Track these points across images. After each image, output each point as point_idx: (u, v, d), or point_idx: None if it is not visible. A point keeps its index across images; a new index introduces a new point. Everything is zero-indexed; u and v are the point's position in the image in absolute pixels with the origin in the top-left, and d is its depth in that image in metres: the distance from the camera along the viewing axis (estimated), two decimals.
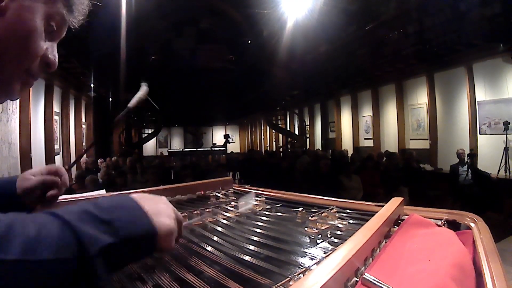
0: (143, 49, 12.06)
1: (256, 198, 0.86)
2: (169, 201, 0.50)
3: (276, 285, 0.48)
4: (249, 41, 13.12)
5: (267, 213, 0.95)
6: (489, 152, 5.69)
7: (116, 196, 0.47)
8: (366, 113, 9.50)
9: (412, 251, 0.55)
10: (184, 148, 18.67)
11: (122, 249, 0.37)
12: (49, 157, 6.92)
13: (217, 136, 20.30)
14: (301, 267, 0.55)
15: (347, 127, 10.44)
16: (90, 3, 0.55)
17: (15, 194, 0.65)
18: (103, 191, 1.23)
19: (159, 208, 0.44)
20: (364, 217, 0.80)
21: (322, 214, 0.81)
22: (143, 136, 17.52)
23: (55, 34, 0.50)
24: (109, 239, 0.35)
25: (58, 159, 7.58)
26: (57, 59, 0.51)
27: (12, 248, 0.29)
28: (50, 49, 0.50)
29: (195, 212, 0.91)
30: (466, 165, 5.32)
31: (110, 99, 11.48)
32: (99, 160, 7.86)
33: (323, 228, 0.75)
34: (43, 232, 0.32)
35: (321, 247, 0.65)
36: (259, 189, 1.26)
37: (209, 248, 0.65)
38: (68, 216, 0.35)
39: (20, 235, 0.31)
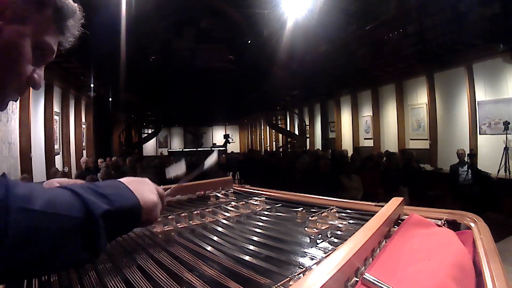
0: (143, 49, 12.07)
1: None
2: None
3: (276, 285, 0.48)
4: (249, 41, 13.12)
5: (267, 213, 0.95)
6: (489, 152, 5.69)
7: (107, 180, 0.58)
8: (366, 113, 9.50)
9: (412, 251, 0.55)
10: (184, 148, 18.67)
11: (116, 217, 0.48)
12: (49, 157, 6.92)
13: (217, 136, 20.30)
14: (301, 267, 0.55)
15: (347, 127, 10.44)
16: (81, 27, 0.59)
17: None
18: None
19: (142, 187, 0.57)
20: (364, 217, 0.80)
21: (322, 214, 0.81)
22: (143, 136, 17.53)
23: (42, 60, 0.54)
24: (107, 206, 0.46)
25: (58, 159, 7.58)
26: (42, 80, 0.56)
27: (38, 202, 0.38)
28: (37, 71, 0.53)
29: (195, 212, 0.91)
30: (466, 165, 5.32)
31: (110, 99, 11.48)
32: (99, 160, 7.86)
33: (323, 228, 0.75)
34: (59, 196, 0.43)
35: (321, 247, 0.65)
36: (259, 189, 1.26)
37: (209, 248, 0.65)
38: (76, 188, 0.45)
39: (42, 196, 0.40)
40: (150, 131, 17.41)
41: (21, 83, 0.52)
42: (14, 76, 0.50)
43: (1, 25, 0.46)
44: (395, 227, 0.67)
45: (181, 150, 17.96)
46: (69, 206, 0.42)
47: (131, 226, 0.56)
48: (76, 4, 0.57)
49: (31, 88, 0.55)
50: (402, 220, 0.71)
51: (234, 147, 19.36)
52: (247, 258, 0.60)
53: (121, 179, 0.56)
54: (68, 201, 0.42)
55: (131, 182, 0.56)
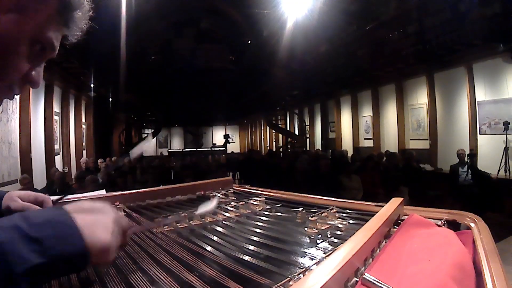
0: (143, 49, 12.07)
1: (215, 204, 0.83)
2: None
3: (276, 285, 0.48)
4: (249, 41, 13.11)
5: (267, 213, 0.95)
6: (489, 152, 5.69)
7: (51, 209, 0.45)
8: (366, 113, 9.50)
9: (412, 251, 0.55)
10: (184, 148, 18.67)
11: (51, 268, 0.36)
12: (49, 157, 6.92)
13: (217, 136, 20.30)
14: (301, 267, 0.55)
15: (347, 127, 10.44)
16: (88, 20, 0.53)
17: None
18: (103, 191, 1.23)
19: (95, 221, 0.42)
20: (364, 217, 0.80)
21: (322, 214, 0.81)
22: (143, 136, 17.54)
23: (42, 55, 0.48)
24: (37, 259, 0.34)
25: (58, 159, 7.58)
26: (40, 79, 0.50)
27: None
28: (35, 69, 0.48)
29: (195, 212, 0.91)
30: (466, 165, 5.32)
31: (110, 99, 11.48)
32: (99, 160, 7.87)
33: (323, 228, 0.75)
34: None
35: (321, 247, 0.65)
36: (259, 189, 1.26)
37: (209, 248, 0.65)
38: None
39: None
40: (150, 131, 17.43)
41: (17, 79, 0.47)
42: (9, 71, 0.45)
43: None
44: (395, 227, 0.67)
45: (181, 150, 17.95)
46: None
47: (72, 273, 0.47)
48: None
49: (31, 88, 0.52)
50: (402, 220, 0.71)
51: (234, 147, 19.36)
52: (247, 258, 0.60)
53: (69, 208, 0.42)
54: None
55: (82, 213, 0.42)
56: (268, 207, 1.01)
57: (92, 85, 9.06)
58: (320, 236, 0.71)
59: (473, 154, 5.54)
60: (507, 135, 5.20)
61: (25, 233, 0.35)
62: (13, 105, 5.43)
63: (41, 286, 0.39)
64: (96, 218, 0.43)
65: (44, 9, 0.45)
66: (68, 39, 0.52)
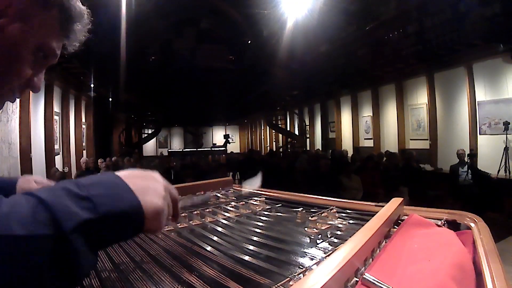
0: (143, 49, 12.07)
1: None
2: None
3: (276, 285, 0.48)
4: (249, 41, 13.12)
5: (267, 213, 0.95)
6: (489, 152, 5.69)
7: (100, 174, 0.44)
8: (366, 113, 9.50)
9: (412, 251, 0.55)
10: (184, 148, 18.66)
11: (104, 226, 0.35)
12: (49, 157, 6.92)
13: (217, 136, 20.29)
14: (301, 267, 0.55)
15: (347, 127, 10.44)
16: (87, 32, 0.57)
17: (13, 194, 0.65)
18: None
19: (147, 186, 0.42)
20: (364, 217, 0.80)
21: (322, 214, 0.81)
22: (143, 136, 17.54)
23: (43, 62, 0.52)
24: (86, 214, 0.34)
25: (58, 159, 7.58)
26: (41, 84, 0.54)
27: None
28: (37, 75, 0.52)
29: (195, 212, 0.91)
30: (466, 165, 5.31)
31: (110, 99, 11.48)
32: (99, 160, 7.85)
33: (323, 228, 0.75)
34: (15, 209, 0.31)
35: (321, 247, 0.65)
36: (259, 189, 1.26)
37: (209, 248, 0.65)
38: (44, 194, 0.34)
39: None
40: (150, 131, 17.42)
41: (20, 84, 0.50)
42: (13, 76, 0.48)
43: (4, 23, 0.44)
44: (395, 228, 0.67)
45: (181, 150, 17.95)
46: (30, 222, 0.31)
47: (127, 237, 0.42)
48: (84, 8, 0.54)
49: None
50: (402, 220, 0.71)
51: (234, 147, 19.35)
52: (247, 258, 0.60)
53: (120, 172, 0.42)
54: (29, 213, 0.31)
55: (132, 177, 0.41)
56: (268, 207, 1.01)
57: (92, 85, 9.06)
58: (320, 236, 0.71)
59: (473, 154, 5.53)
60: (507, 135, 5.20)
61: (74, 192, 0.35)
62: (13, 105, 5.43)
63: (98, 248, 0.38)
64: (148, 183, 0.43)
65: (47, 20, 0.48)
66: (67, 48, 0.56)
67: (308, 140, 13.12)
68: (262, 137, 18.81)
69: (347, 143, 10.27)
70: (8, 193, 0.66)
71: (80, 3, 0.53)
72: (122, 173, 0.42)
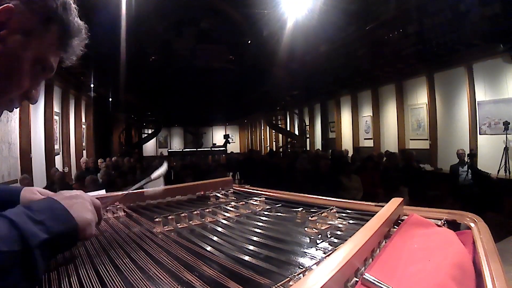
0: (143, 49, 12.06)
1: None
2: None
3: (276, 285, 0.48)
4: (249, 41, 13.11)
5: (267, 213, 0.95)
6: (489, 152, 5.69)
7: (43, 200, 0.55)
8: (366, 113, 9.50)
9: (412, 251, 0.55)
10: (184, 148, 18.67)
11: (53, 242, 0.46)
12: (49, 157, 6.92)
13: (217, 136, 20.30)
14: (301, 267, 0.55)
15: (347, 127, 10.45)
16: (84, 48, 0.59)
17: (17, 204, 0.67)
18: (103, 191, 1.23)
19: (77, 205, 0.54)
20: (364, 217, 0.80)
21: (322, 214, 0.81)
22: (143, 136, 17.54)
23: (41, 75, 0.53)
24: (44, 235, 0.44)
25: (58, 159, 7.58)
26: (38, 95, 0.56)
27: None
28: (34, 87, 0.53)
29: (195, 212, 0.91)
30: (466, 165, 5.32)
31: (110, 99, 11.48)
32: (99, 160, 7.86)
33: (323, 228, 0.75)
34: None
35: (321, 247, 0.65)
36: (259, 189, 1.26)
37: (209, 248, 0.65)
38: (12, 216, 0.42)
39: None
40: (150, 131, 17.42)
41: (18, 95, 0.51)
42: (12, 86, 0.49)
43: (5, 34, 0.45)
44: (395, 228, 0.67)
45: (181, 150, 17.95)
46: (6, 240, 0.39)
47: (67, 248, 0.55)
48: (82, 23, 0.56)
49: None
50: (402, 220, 0.71)
51: (234, 147, 19.36)
52: (247, 258, 0.60)
53: (55, 196, 0.54)
54: (5, 233, 0.39)
55: (66, 200, 0.53)
56: (268, 207, 1.01)
57: (92, 85, 9.07)
58: (320, 236, 0.71)
59: (473, 154, 5.54)
60: (507, 135, 5.20)
61: (31, 216, 0.44)
62: None
63: (49, 259, 0.49)
64: (77, 201, 0.55)
65: (47, 34, 0.50)
66: (64, 62, 0.58)
67: (308, 140, 13.13)
68: (262, 137, 18.81)
69: (347, 143, 10.27)
70: (11, 202, 0.67)
71: (79, 19, 0.55)
72: (58, 197, 0.54)
